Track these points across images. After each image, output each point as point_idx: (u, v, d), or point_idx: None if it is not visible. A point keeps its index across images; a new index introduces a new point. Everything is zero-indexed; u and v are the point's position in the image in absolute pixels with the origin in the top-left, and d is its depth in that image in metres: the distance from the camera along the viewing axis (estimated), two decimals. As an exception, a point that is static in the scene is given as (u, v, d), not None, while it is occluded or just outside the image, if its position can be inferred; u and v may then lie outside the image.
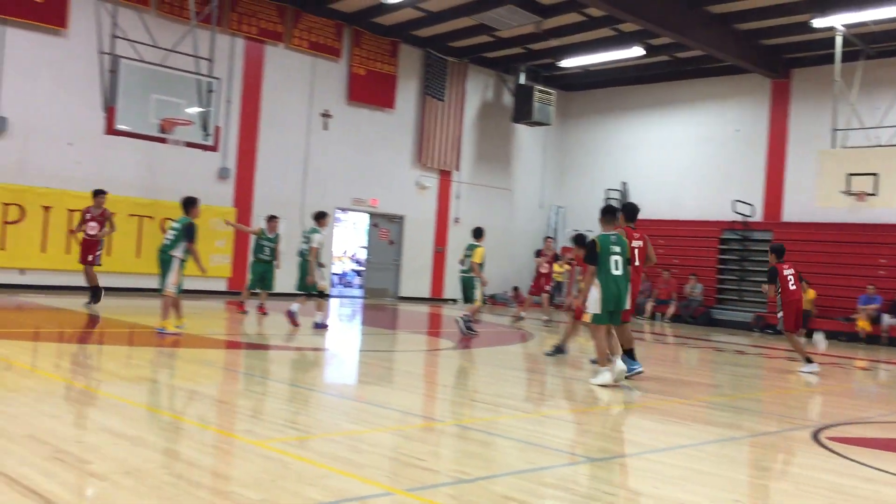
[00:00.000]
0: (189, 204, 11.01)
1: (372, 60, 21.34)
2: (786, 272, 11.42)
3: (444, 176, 23.46)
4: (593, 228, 12.67)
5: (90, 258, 13.46)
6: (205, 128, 14.10)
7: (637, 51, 20.54)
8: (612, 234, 8.71)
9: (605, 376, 8.43)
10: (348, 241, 26.33)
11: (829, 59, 17.63)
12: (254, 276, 14.66)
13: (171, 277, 10.53)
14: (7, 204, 15.86)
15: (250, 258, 14.92)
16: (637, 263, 9.36)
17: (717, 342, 16.19)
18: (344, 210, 21.83)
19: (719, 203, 21.94)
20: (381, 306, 20.28)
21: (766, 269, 12.09)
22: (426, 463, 4.92)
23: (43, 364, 8.31)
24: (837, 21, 16.69)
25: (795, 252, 20.15)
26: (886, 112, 18.21)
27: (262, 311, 14.52)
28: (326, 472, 4.50)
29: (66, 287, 15.86)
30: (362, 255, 24.22)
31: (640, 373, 9.16)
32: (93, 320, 12.25)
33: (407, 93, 22.36)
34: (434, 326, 16.41)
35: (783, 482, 5.17)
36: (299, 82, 20.15)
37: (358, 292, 23.55)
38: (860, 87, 17.67)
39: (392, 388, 8.29)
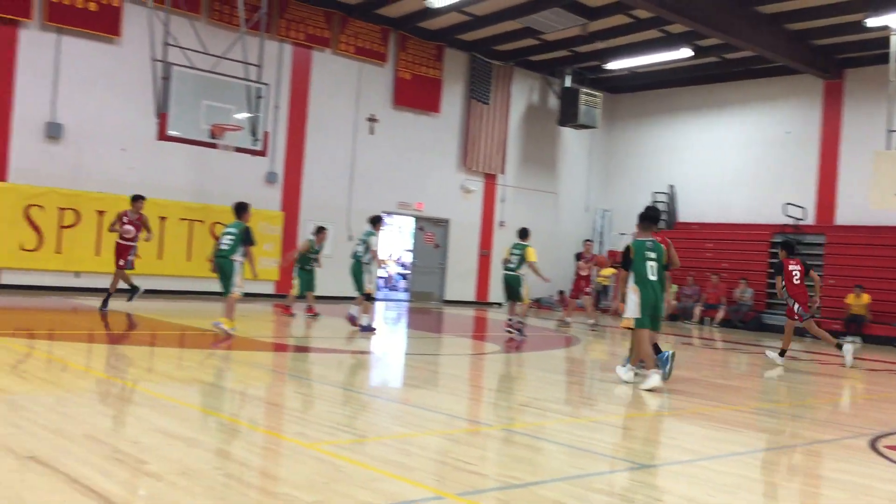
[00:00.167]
0: (242, 209, 11.26)
1: (417, 65, 21.43)
2: (791, 267, 11.57)
3: (490, 179, 23.44)
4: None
5: (121, 262, 13.13)
6: (254, 133, 14.33)
7: (685, 52, 20.30)
8: (648, 241, 8.76)
9: (655, 379, 8.36)
10: (394, 244, 26.45)
11: (884, 58, 17.23)
12: (301, 283, 14.91)
13: (236, 279, 10.84)
14: (63, 209, 16.25)
15: (296, 267, 15.03)
16: None
17: (768, 347, 15.88)
18: (390, 214, 21.92)
19: (770, 206, 21.57)
20: (426, 310, 20.33)
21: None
22: (474, 467, 4.92)
23: (97, 365, 8.50)
24: (893, 20, 16.30)
25: (848, 256, 19.86)
26: (944, 112, 17.72)
27: (311, 311, 14.72)
28: (377, 475, 4.52)
29: (120, 290, 16.18)
30: (408, 258, 24.32)
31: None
32: (134, 323, 12.23)
33: (452, 97, 22.41)
34: (479, 330, 16.40)
35: (839, 491, 5.06)
36: (346, 87, 20.31)
37: (403, 296, 23.65)
38: (916, 87, 17.24)
39: (438, 391, 8.30)
